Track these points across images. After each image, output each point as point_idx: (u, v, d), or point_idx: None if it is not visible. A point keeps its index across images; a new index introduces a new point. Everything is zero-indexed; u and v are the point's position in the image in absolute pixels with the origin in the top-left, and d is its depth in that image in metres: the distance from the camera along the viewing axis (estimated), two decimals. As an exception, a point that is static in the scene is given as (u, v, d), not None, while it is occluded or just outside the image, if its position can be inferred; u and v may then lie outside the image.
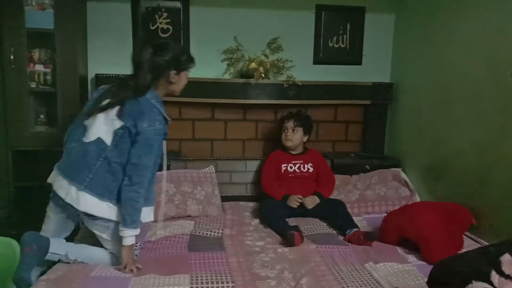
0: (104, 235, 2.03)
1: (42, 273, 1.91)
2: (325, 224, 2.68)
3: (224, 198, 2.98)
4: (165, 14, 3.10)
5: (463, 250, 2.15)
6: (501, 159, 2.28)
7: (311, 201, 2.74)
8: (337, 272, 2.03)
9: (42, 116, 2.87)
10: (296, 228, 2.46)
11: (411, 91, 3.18)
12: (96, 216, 1.96)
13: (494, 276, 1.37)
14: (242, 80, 3.05)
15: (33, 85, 2.76)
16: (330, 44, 3.32)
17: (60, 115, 2.76)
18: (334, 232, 2.56)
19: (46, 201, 3.13)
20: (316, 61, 3.33)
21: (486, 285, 1.35)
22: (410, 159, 3.18)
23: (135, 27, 3.08)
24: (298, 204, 2.74)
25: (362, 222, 2.75)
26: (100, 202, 1.94)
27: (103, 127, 1.96)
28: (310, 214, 2.74)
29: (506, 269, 1.38)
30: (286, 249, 2.27)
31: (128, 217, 1.92)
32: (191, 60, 2.13)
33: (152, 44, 2.02)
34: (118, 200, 1.96)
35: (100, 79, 2.93)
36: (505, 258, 1.41)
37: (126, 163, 1.94)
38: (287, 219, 2.59)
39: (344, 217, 2.61)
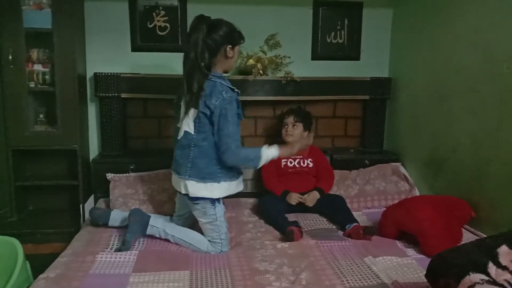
0: (203, 220, 2.26)
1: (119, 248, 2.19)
2: (324, 219, 2.69)
3: (224, 195, 2.98)
4: (162, 12, 3.10)
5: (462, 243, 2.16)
6: (499, 152, 2.28)
7: (312, 199, 2.73)
8: (336, 266, 2.03)
9: (41, 116, 2.86)
10: (295, 223, 2.47)
11: (409, 85, 3.18)
12: (197, 199, 2.20)
13: (491, 268, 1.37)
14: (240, 77, 3.04)
15: (32, 84, 2.75)
16: (328, 40, 3.31)
17: (59, 114, 2.76)
18: (334, 227, 2.56)
19: (46, 200, 3.15)
20: (314, 57, 3.33)
21: (483, 276, 1.35)
22: (409, 154, 3.19)
23: (133, 25, 3.09)
24: (298, 202, 2.74)
25: (361, 217, 2.74)
26: (202, 184, 2.17)
27: (186, 121, 2.19)
28: (309, 210, 2.74)
29: (503, 260, 1.38)
30: (286, 245, 2.28)
31: (250, 163, 2.24)
32: (242, 36, 2.26)
33: (206, 24, 2.13)
34: (221, 177, 2.20)
35: (98, 78, 2.93)
36: (502, 249, 1.41)
37: (215, 142, 2.16)
38: (286, 215, 2.60)
39: (343, 212, 2.61)
